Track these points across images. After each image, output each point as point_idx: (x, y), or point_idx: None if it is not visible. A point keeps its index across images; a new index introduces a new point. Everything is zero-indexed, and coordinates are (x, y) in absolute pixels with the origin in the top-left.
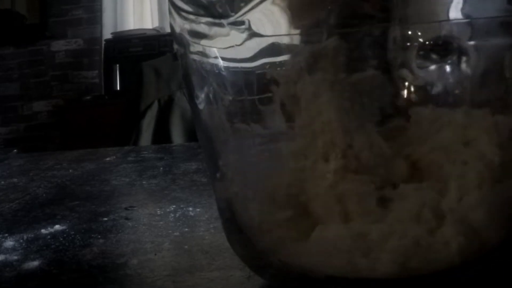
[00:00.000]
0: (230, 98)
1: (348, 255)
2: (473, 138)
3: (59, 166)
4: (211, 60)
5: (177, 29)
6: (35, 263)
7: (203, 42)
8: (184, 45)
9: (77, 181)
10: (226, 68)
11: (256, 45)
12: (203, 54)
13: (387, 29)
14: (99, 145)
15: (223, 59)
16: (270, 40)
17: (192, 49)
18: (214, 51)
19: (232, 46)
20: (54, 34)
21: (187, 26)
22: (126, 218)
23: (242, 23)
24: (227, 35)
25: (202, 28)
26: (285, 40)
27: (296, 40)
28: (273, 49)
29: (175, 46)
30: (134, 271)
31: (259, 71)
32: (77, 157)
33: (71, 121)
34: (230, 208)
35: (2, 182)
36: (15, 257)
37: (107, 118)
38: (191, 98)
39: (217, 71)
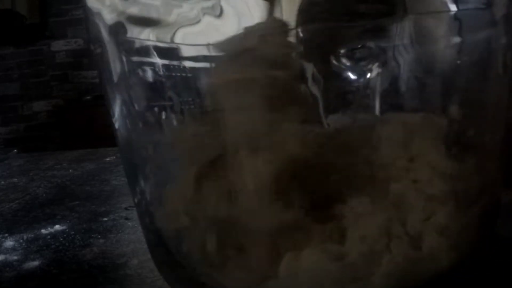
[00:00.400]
0: (192, 107)
1: (335, 284)
2: (417, 152)
3: (59, 166)
4: (165, 61)
5: (109, 17)
6: (35, 263)
7: (155, 32)
8: (117, 42)
9: (77, 181)
10: (190, 69)
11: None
12: (150, 52)
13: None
14: (99, 145)
15: (186, 58)
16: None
17: (130, 46)
18: (172, 46)
19: (205, 44)
20: (54, 34)
21: (132, 9)
22: (126, 218)
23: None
24: (195, 20)
25: (154, 11)
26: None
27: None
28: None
29: (94, 46)
30: (134, 271)
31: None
32: (77, 157)
33: (71, 121)
34: (161, 241)
35: (2, 182)
36: (15, 257)
37: (107, 118)
38: (124, 112)
39: (174, 74)
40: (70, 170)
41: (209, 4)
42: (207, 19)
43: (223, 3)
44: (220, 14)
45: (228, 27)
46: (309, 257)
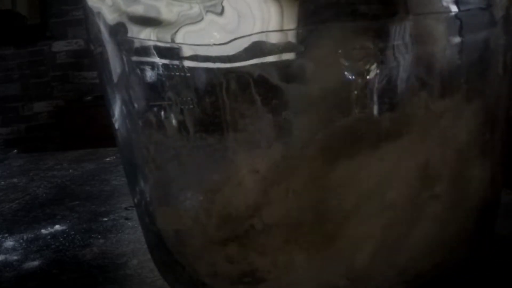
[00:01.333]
0: (192, 107)
1: None
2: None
3: (59, 166)
4: (166, 61)
5: (110, 17)
6: (35, 263)
7: (156, 32)
8: (117, 41)
9: (77, 181)
10: (191, 69)
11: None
12: (151, 51)
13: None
14: (99, 145)
15: (190, 58)
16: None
17: (130, 46)
18: (172, 46)
19: (209, 44)
20: (55, 35)
21: (134, 9)
22: (126, 218)
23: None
24: (198, 19)
25: (157, 10)
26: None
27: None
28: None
29: (94, 46)
30: (134, 271)
31: (241, 73)
32: (77, 157)
33: (71, 121)
34: (161, 241)
35: (2, 182)
36: (15, 257)
37: (107, 119)
38: (124, 112)
39: (175, 73)
40: (70, 170)
41: (211, 3)
42: (210, 17)
43: (224, 3)
44: (221, 13)
45: (230, 26)
46: None
